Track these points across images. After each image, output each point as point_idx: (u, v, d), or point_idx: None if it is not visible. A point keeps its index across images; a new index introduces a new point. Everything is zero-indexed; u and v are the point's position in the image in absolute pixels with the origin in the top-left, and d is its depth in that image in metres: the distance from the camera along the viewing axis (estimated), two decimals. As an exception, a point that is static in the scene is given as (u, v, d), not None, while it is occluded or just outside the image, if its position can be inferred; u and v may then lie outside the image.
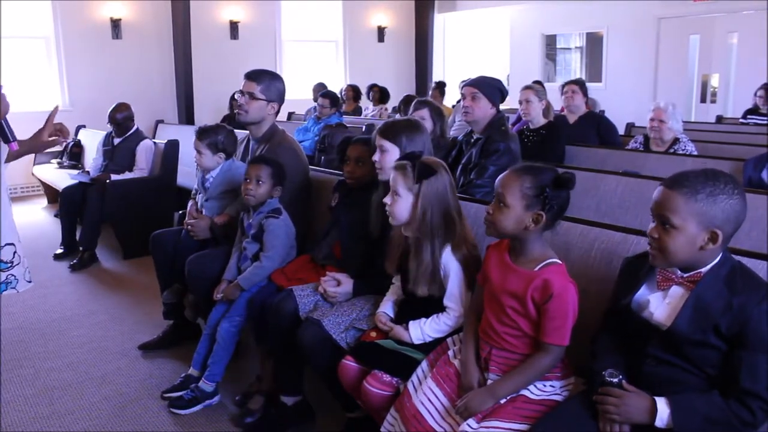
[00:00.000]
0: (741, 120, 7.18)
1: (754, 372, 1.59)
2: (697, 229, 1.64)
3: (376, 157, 2.69)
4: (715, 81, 10.02)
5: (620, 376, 1.75)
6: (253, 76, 3.39)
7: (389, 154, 2.64)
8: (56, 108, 2.64)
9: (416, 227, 2.26)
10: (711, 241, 1.65)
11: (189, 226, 3.44)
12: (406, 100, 7.21)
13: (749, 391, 1.59)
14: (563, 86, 5.24)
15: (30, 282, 2.61)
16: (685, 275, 1.72)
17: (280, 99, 3.45)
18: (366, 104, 9.39)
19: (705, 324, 1.65)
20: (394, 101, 9.35)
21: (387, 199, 2.32)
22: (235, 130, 3.66)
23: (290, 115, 8.75)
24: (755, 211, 2.90)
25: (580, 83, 5.23)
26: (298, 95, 8.77)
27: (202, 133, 3.46)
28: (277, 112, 3.50)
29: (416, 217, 2.26)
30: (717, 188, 1.63)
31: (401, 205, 2.28)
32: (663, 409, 1.66)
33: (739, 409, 1.59)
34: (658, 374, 1.71)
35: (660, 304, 1.75)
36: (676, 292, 1.73)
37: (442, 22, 12.29)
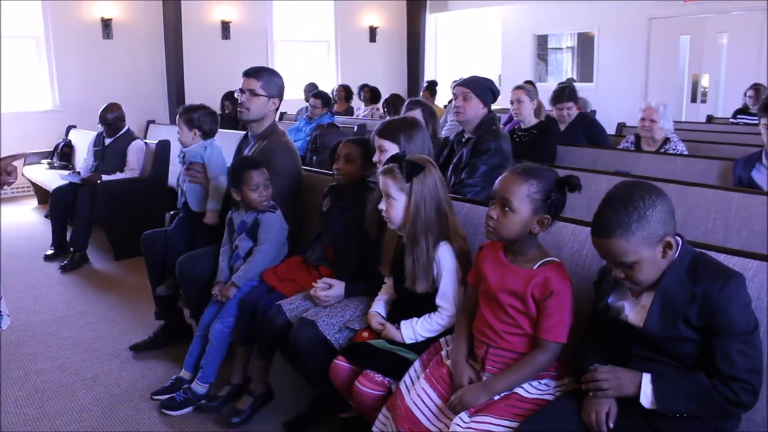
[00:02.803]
0: (731, 120, 7.22)
1: (728, 356, 1.62)
2: (651, 250, 1.67)
3: (376, 157, 2.70)
4: (705, 81, 10.06)
5: None
6: (253, 72, 3.37)
7: (389, 154, 2.63)
8: (22, 155, 2.37)
9: (411, 225, 2.27)
10: (667, 248, 1.68)
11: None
12: (392, 100, 7.19)
13: (728, 375, 1.62)
14: (554, 102, 5.10)
15: (8, 315, 2.30)
16: None
17: (281, 95, 3.43)
18: (357, 104, 9.39)
19: (674, 318, 1.68)
20: (385, 101, 9.35)
21: (382, 206, 2.32)
22: (231, 131, 3.69)
23: (282, 115, 8.73)
24: (745, 210, 2.93)
25: (574, 97, 5.13)
26: (290, 95, 8.73)
27: (183, 111, 3.62)
28: (278, 109, 3.49)
29: (410, 215, 2.26)
30: (639, 208, 1.65)
31: (396, 207, 2.29)
32: (647, 384, 1.70)
33: (724, 389, 1.63)
34: (645, 370, 1.73)
35: (634, 308, 1.79)
36: (648, 295, 1.76)
37: (433, 22, 12.30)
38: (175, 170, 5.94)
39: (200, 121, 3.58)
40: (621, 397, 1.73)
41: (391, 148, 2.67)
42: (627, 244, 1.65)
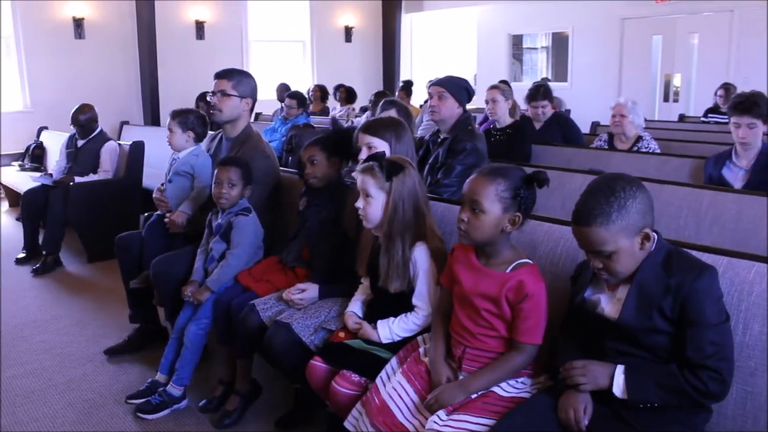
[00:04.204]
0: (702, 119, 7.32)
1: (698, 345, 1.66)
2: (629, 240, 1.70)
3: (363, 155, 2.68)
4: (677, 80, 10.20)
5: None
6: (224, 74, 3.37)
7: (377, 151, 2.62)
8: None
9: (388, 224, 2.27)
10: (645, 239, 1.72)
11: (167, 221, 3.42)
12: (378, 96, 7.19)
13: (697, 364, 1.65)
14: (530, 100, 5.12)
15: None
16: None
17: (253, 95, 3.42)
18: (333, 104, 9.37)
19: (649, 309, 1.71)
20: (361, 101, 9.34)
21: (359, 204, 2.31)
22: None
23: (257, 115, 8.69)
24: (715, 207, 2.98)
25: (549, 96, 5.14)
26: (266, 96, 8.72)
27: (176, 114, 3.62)
28: (252, 109, 3.47)
29: (388, 214, 2.26)
30: (620, 198, 1.68)
31: (374, 206, 2.29)
32: (620, 375, 1.73)
33: (692, 378, 1.66)
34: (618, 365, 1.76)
35: (610, 301, 1.82)
36: (624, 288, 1.79)
37: (409, 22, 12.32)
38: (149, 172, 5.91)
39: (194, 123, 3.59)
40: (596, 390, 1.75)
41: (382, 147, 2.67)
42: (606, 232, 1.68)
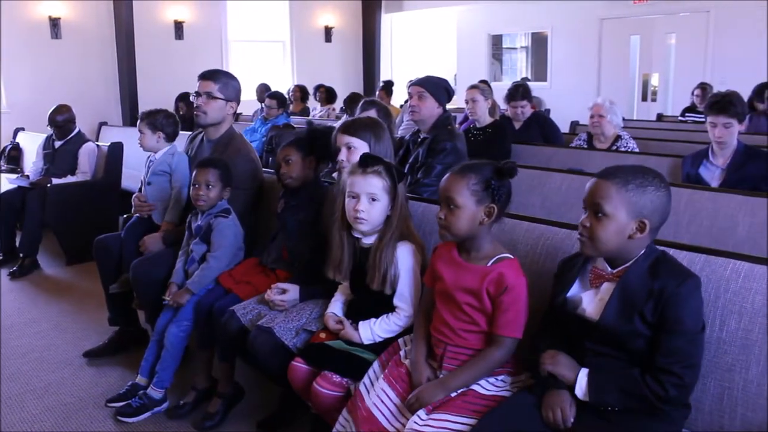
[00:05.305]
0: (680, 118, 7.41)
1: (670, 350, 1.67)
2: (627, 217, 1.72)
3: (342, 155, 2.67)
4: (655, 80, 10.31)
5: None
6: (210, 75, 3.31)
7: (359, 151, 2.61)
8: None
9: (395, 228, 2.26)
10: (639, 230, 1.73)
11: (141, 247, 3.35)
12: (352, 99, 7.20)
13: (662, 368, 1.67)
14: (509, 100, 5.16)
15: None
16: (614, 271, 1.79)
17: (238, 98, 3.39)
18: (313, 105, 9.36)
19: (630, 312, 1.72)
20: (341, 101, 9.34)
21: (362, 206, 2.25)
22: (187, 132, 3.65)
23: (238, 116, 8.65)
24: (693, 206, 3.01)
25: (528, 96, 5.17)
26: (246, 96, 8.68)
27: (144, 116, 3.62)
28: (235, 112, 3.44)
29: (395, 218, 2.26)
30: (646, 180, 1.73)
31: (378, 209, 2.27)
32: (582, 378, 1.75)
33: (653, 383, 1.67)
34: (597, 366, 1.77)
35: (592, 301, 1.83)
36: (607, 287, 1.80)
37: (389, 22, 12.33)
38: (128, 173, 5.86)
39: (163, 123, 3.57)
40: (557, 377, 1.79)
41: (362, 147, 2.66)
42: (616, 193, 1.72)
